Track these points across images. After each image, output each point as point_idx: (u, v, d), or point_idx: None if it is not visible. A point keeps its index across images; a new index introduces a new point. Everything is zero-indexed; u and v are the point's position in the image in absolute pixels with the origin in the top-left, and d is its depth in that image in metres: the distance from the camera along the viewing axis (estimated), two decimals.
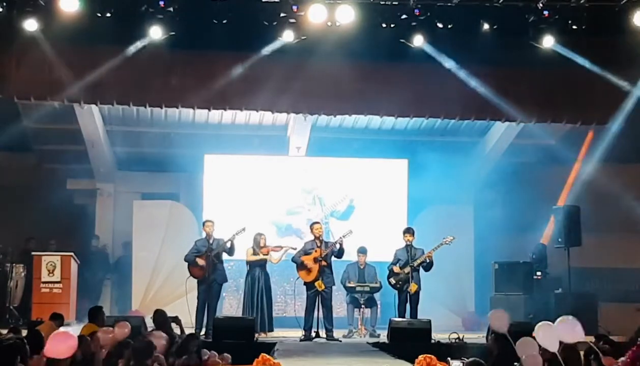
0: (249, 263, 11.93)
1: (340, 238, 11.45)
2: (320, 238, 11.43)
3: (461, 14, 11.15)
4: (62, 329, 5.97)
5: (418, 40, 11.46)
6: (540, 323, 6.41)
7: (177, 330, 8.96)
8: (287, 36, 11.35)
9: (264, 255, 11.75)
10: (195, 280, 11.48)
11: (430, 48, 11.61)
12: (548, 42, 11.49)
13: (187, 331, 9.23)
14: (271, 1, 11.04)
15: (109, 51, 11.54)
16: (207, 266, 11.32)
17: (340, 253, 11.46)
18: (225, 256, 11.62)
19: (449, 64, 11.89)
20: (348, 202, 14.26)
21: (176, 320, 9.04)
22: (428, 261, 11.43)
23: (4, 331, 8.31)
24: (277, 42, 11.49)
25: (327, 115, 13.38)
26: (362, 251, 12.37)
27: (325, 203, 14.25)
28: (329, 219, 14.07)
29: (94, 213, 15.24)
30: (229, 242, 11.44)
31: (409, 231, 11.81)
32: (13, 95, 12.05)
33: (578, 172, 14.62)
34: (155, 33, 11.16)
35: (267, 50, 11.68)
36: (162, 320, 8.65)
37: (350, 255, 12.43)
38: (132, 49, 11.51)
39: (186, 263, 11.47)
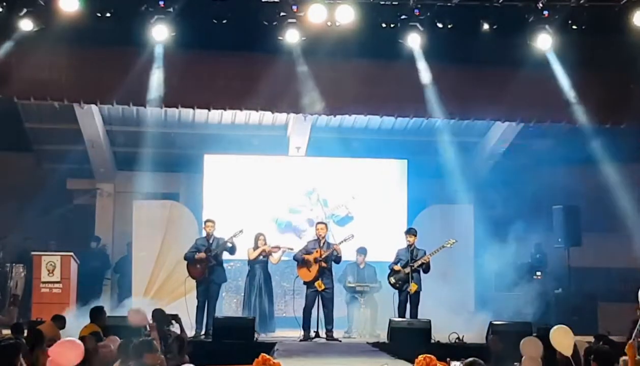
0: (250, 262, 11.92)
1: (342, 241, 11.46)
2: (323, 239, 11.43)
3: (461, 14, 11.15)
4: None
5: (417, 40, 11.45)
6: (555, 327, 6.39)
7: (177, 329, 8.97)
8: (288, 36, 11.34)
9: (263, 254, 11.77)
10: (194, 281, 11.49)
11: (429, 48, 11.59)
12: (547, 42, 11.49)
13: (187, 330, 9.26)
14: (271, 1, 11.03)
15: (108, 51, 11.54)
16: (205, 266, 11.32)
17: (338, 260, 11.45)
18: (226, 256, 11.62)
19: (447, 63, 11.89)
20: (346, 212, 14.25)
21: (176, 318, 9.05)
22: (425, 265, 11.44)
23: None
24: (277, 42, 11.48)
25: (327, 115, 13.38)
26: (362, 251, 12.35)
27: (328, 204, 14.24)
28: (329, 220, 14.05)
29: (94, 213, 15.24)
30: (229, 243, 11.45)
31: (410, 232, 11.81)
32: (13, 95, 12.06)
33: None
34: (156, 33, 11.16)
35: (267, 50, 11.68)
36: (160, 318, 8.68)
37: (350, 255, 12.43)
38: (132, 49, 11.51)
39: (186, 263, 11.47)
